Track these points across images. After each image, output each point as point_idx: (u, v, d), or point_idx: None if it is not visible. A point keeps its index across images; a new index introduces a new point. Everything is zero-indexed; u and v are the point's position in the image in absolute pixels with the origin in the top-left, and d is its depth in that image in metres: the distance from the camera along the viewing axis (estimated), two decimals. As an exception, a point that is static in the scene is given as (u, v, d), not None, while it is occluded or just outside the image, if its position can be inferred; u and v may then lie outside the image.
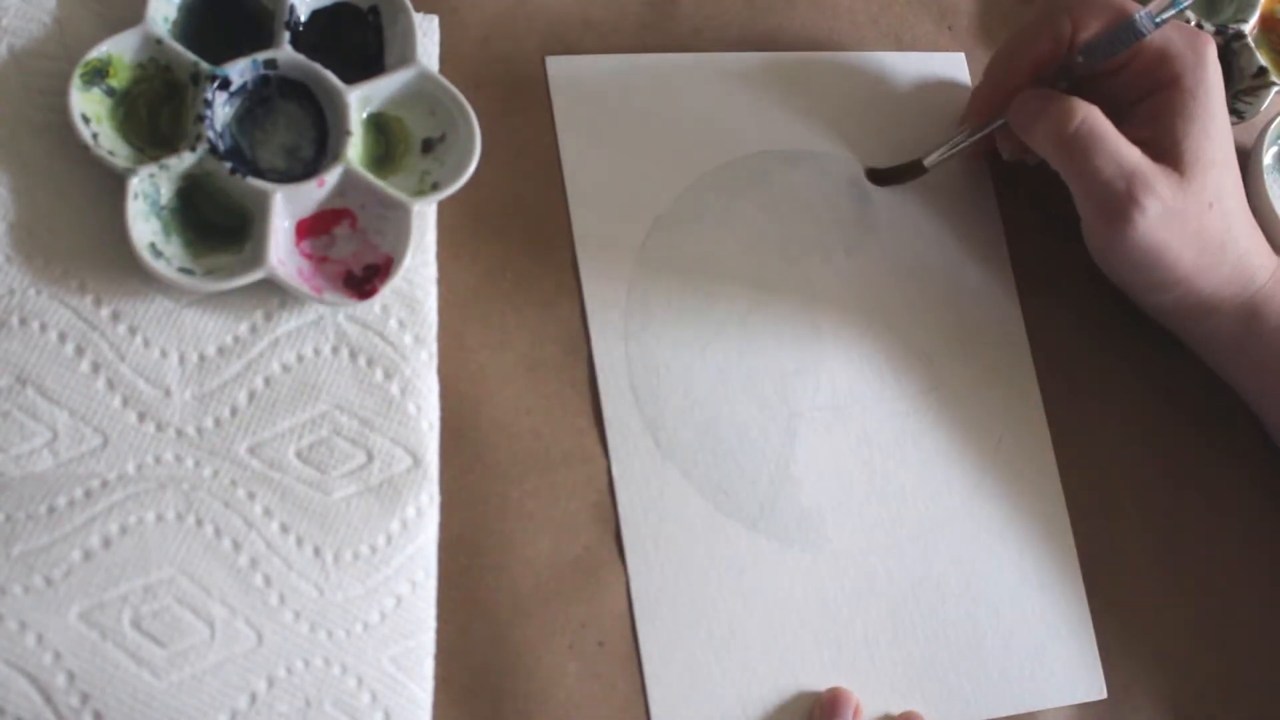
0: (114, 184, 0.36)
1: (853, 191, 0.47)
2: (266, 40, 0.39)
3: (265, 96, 0.40)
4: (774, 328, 0.44)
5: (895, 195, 0.48)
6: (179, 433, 0.36)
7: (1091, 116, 0.41)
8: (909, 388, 0.45)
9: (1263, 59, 0.52)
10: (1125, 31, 0.41)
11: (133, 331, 0.37)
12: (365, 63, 0.41)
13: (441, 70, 0.43)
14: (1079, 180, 0.42)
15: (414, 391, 0.39)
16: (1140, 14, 0.41)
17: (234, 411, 0.37)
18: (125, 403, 0.36)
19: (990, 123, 0.45)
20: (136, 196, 0.36)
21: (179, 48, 0.38)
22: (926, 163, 0.46)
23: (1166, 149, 0.41)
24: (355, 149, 0.39)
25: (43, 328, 0.36)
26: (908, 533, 0.43)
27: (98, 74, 0.37)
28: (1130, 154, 0.41)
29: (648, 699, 0.39)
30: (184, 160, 0.37)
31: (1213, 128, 0.42)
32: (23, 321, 0.36)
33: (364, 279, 0.38)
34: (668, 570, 0.40)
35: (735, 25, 0.48)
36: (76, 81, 0.36)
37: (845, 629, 0.42)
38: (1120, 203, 0.41)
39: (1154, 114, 0.42)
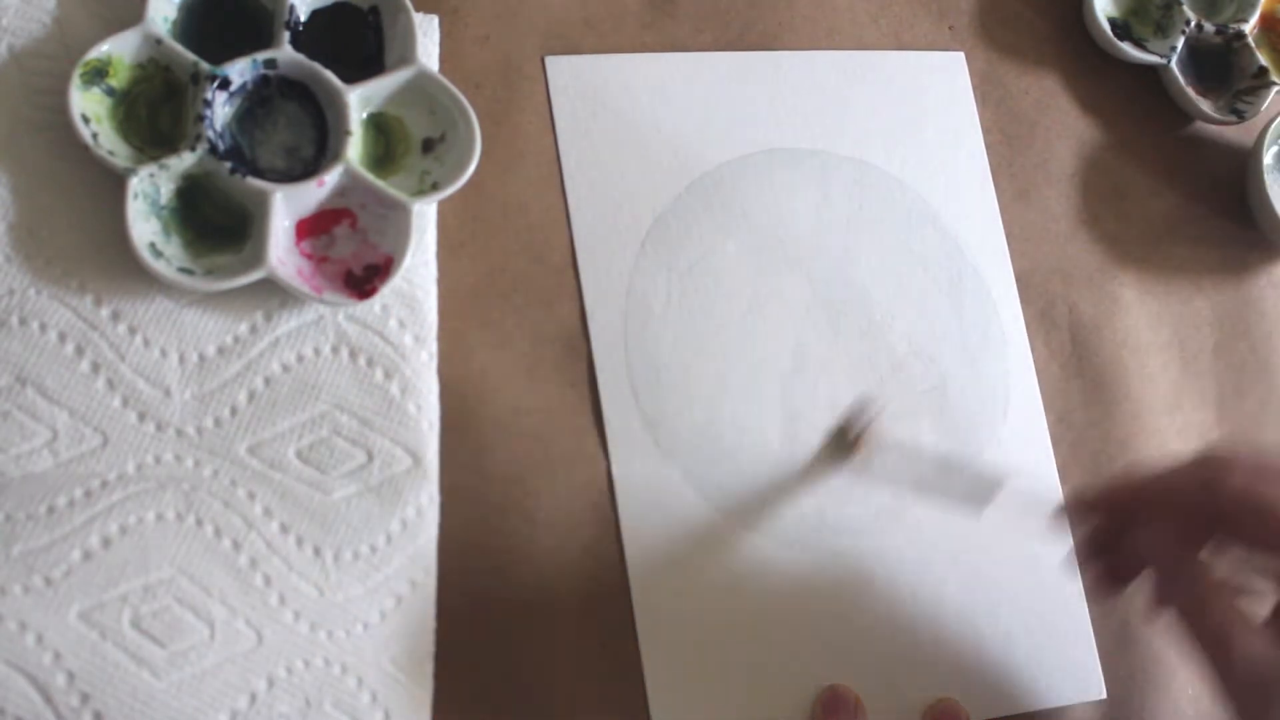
0: (114, 184, 0.36)
1: (852, 191, 0.47)
2: (266, 40, 0.39)
3: (265, 96, 0.40)
4: (774, 328, 0.44)
5: (895, 195, 0.48)
6: (179, 432, 0.36)
7: (1240, 620, 0.34)
8: (908, 388, 0.45)
9: (1263, 59, 0.52)
10: None
11: (133, 331, 0.37)
12: (365, 63, 0.41)
13: (441, 70, 0.43)
14: (1214, 673, 0.34)
15: (414, 391, 0.39)
16: None
17: (234, 411, 0.37)
18: (125, 403, 0.36)
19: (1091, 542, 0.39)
20: (136, 196, 0.36)
21: (179, 47, 0.38)
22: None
23: None
24: (355, 149, 0.39)
25: (43, 328, 0.36)
26: (907, 533, 0.43)
27: (98, 74, 0.37)
28: (1269, 660, 0.33)
29: (648, 699, 0.39)
30: (184, 160, 0.37)
31: None
32: (23, 321, 0.36)
33: (364, 279, 0.38)
34: (668, 570, 0.40)
35: (735, 25, 0.48)
36: (76, 81, 0.36)
37: (845, 629, 0.42)
38: (1257, 701, 0.34)
39: None
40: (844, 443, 0.43)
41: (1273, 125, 0.51)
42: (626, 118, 0.45)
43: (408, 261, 0.39)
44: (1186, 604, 0.34)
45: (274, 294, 0.38)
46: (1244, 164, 0.53)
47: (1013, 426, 0.46)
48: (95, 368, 0.36)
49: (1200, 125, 0.53)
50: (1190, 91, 0.51)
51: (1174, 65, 0.51)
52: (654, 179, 0.45)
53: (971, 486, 0.40)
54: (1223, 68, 0.53)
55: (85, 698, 0.33)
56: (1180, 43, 0.52)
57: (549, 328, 0.42)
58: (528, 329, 0.42)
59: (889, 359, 0.45)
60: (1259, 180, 0.51)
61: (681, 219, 0.45)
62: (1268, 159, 0.51)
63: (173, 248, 0.37)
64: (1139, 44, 0.52)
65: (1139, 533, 0.36)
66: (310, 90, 0.40)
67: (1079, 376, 0.48)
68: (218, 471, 0.36)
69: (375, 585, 0.37)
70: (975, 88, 0.50)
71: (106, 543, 0.34)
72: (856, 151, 0.48)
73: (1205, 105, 0.52)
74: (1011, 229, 0.49)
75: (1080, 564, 0.42)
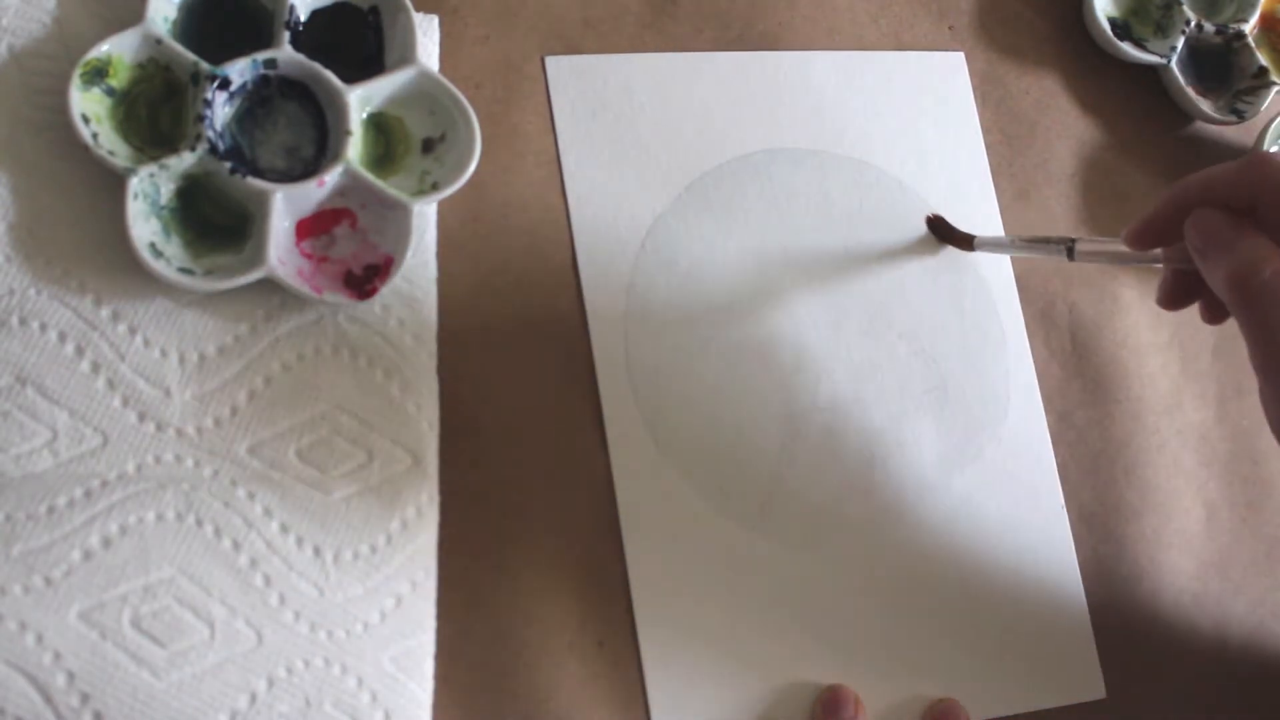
0: (114, 184, 0.36)
1: (852, 191, 0.47)
2: (266, 40, 0.39)
3: (265, 96, 0.40)
4: (774, 327, 0.44)
5: (895, 195, 0.48)
6: (179, 432, 0.36)
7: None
8: (909, 387, 0.45)
9: (1263, 59, 0.52)
10: None
11: (133, 331, 0.37)
12: (365, 63, 0.41)
13: (441, 70, 0.43)
14: (1258, 339, 0.34)
15: (414, 391, 0.39)
16: None
17: (234, 411, 0.37)
18: (125, 403, 0.36)
19: (1143, 255, 0.38)
20: (136, 196, 0.36)
21: (179, 47, 0.38)
22: (977, 243, 0.46)
23: None
24: (355, 149, 0.39)
25: (43, 328, 0.36)
26: (907, 532, 0.43)
27: (98, 74, 0.37)
28: None
29: (648, 699, 0.39)
30: (184, 160, 0.37)
31: None
32: (23, 321, 0.36)
33: (364, 279, 0.38)
34: (668, 570, 0.40)
35: (735, 25, 0.48)
36: (76, 81, 0.36)
37: (845, 629, 0.42)
38: None
39: None
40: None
41: (1273, 125, 0.51)
42: (626, 118, 0.45)
43: (408, 261, 0.39)
44: (1233, 264, 0.33)
45: (274, 294, 0.38)
46: (1244, 164, 0.53)
47: (1013, 426, 0.46)
48: (95, 368, 0.36)
49: (1200, 125, 0.53)
50: (1190, 91, 0.51)
51: (1174, 65, 0.51)
52: (654, 179, 0.45)
53: None
54: (1223, 68, 0.53)
55: (85, 698, 0.33)
56: (1180, 43, 0.52)
57: (549, 328, 0.42)
58: (528, 329, 0.42)
59: (889, 359, 0.45)
60: (1259, 180, 0.51)
61: (681, 219, 0.45)
62: (1268, 159, 0.51)
63: (173, 248, 0.37)
64: (1139, 44, 0.52)
65: (1186, 222, 0.35)
66: (310, 90, 0.40)
67: (1079, 376, 0.48)
68: (218, 471, 0.36)
69: (375, 585, 0.37)
70: (975, 88, 0.50)
71: (106, 543, 0.34)
72: (856, 151, 0.48)
73: (1205, 105, 0.52)
74: (1011, 229, 0.49)
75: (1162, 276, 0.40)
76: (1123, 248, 0.38)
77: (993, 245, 0.46)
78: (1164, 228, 0.36)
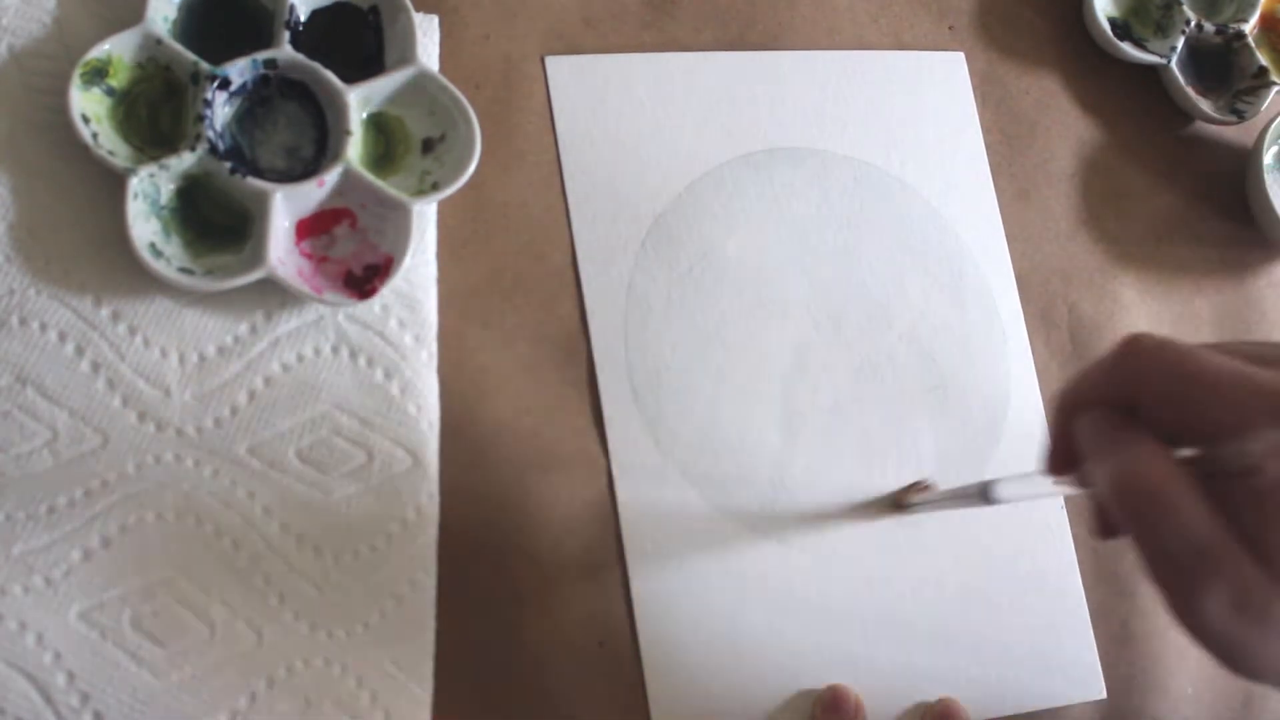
0: (114, 184, 0.36)
1: (853, 191, 0.47)
2: (266, 40, 0.39)
3: (265, 96, 0.40)
4: (774, 327, 0.44)
5: (895, 195, 0.48)
6: (179, 432, 0.36)
7: (1169, 478, 0.30)
8: (909, 387, 0.45)
9: (1263, 59, 0.52)
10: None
11: (133, 331, 0.37)
12: (365, 63, 0.41)
13: (441, 70, 0.43)
14: (1138, 544, 0.31)
15: (414, 391, 0.39)
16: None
17: (234, 411, 0.37)
18: (125, 403, 0.36)
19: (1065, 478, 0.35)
20: (136, 196, 0.36)
21: (179, 47, 0.38)
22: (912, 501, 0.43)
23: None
24: (355, 149, 0.39)
25: (43, 328, 0.36)
26: (908, 532, 0.43)
27: (98, 74, 0.37)
28: (1201, 527, 0.30)
29: (648, 699, 0.39)
30: (184, 160, 0.37)
31: None
32: (23, 321, 0.36)
33: (364, 279, 0.38)
34: (668, 570, 0.40)
35: (735, 25, 0.48)
36: (76, 81, 0.36)
37: (845, 629, 0.42)
38: (1183, 581, 0.30)
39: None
40: (891, 502, 0.43)
41: (1273, 125, 0.51)
42: (626, 118, 0.45)
43: (408, 261, 0.39)
44: (1113, 470, 0.30)
45: (274, 294, 0.38)
46: (1244, 164, 0.53)
47: (1012, 426, 0.46)
48: (95, 368, 0.36)
49: (1200, 125, 0.53)
50: (1190, 91, 0.51)
51: (1174, 65, 0.51)
52: (654, 179, 0.45)
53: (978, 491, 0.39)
54: (1223, 68, 0.53)
55: (85, 698, 0.33)
56: (1180, 43, 0.52)
57: (549, 328, 0.42)
58: (528, 329, 0.42)
59: (889, 359, 0.45)
60: (1259, 180, 0.51)
61: (681, 219, 0.45)
62: (1268, 159, 0.51)
63: (173, 248, 0.37)
64: (1139, 44, 0.52)
65: (1073, 427, 0.32)
66: (310, 90, 0.40)
67: (1079, 376, 0.48)
68: (218, 471, 0.36)
69: (375, 585, 0.37)
70: (975, 88, 0.50)
71: (106, 543, 0.34)
72: (856, 151, 0.48)
73: (1205, 105, 0.52)
74: (1011, 229, 0.49)
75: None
76: (1042, 481, 0.35)
77: (922, 504, 0.43)
78: (1068, 446, 0.33)
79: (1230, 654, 0.31)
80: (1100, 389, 0.33)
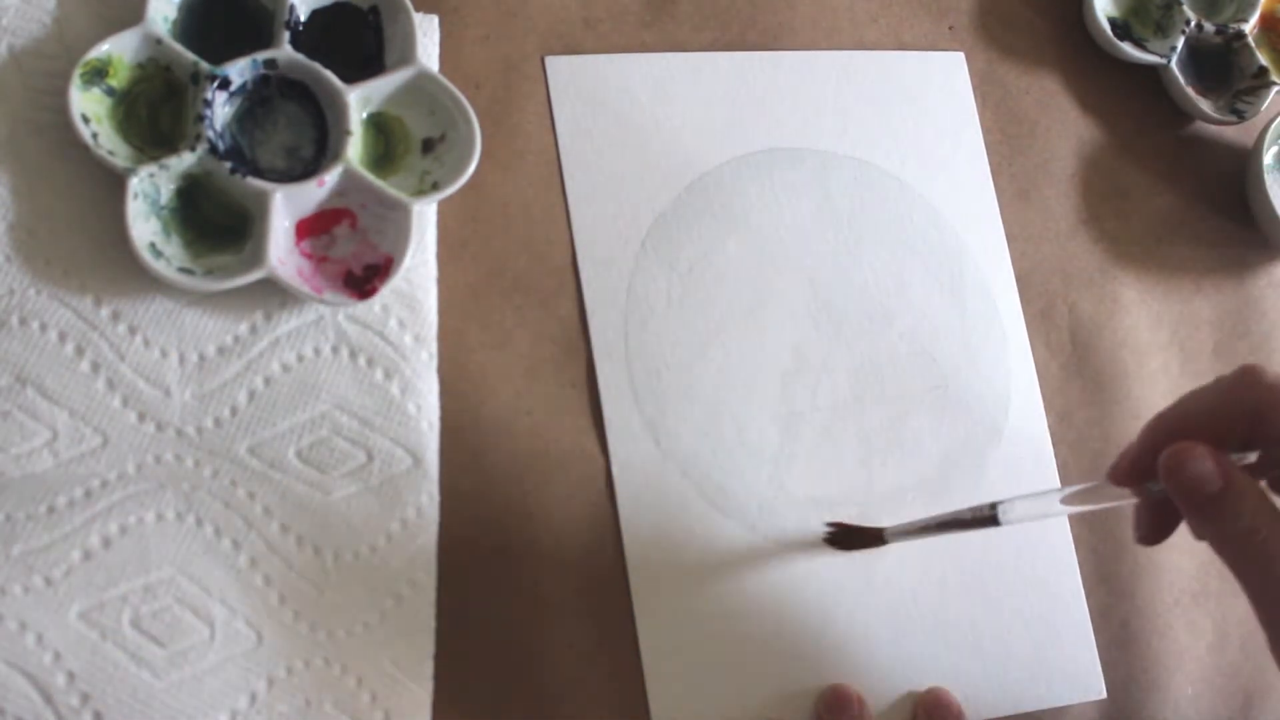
0: (114, 184, 0.36)
1: (853, 191, 0.47)
2: (266, 40, 0.39)
3: (265, 96, 0.40)
4: (774, 327, 0.44)
5: (895, 195, 0.48)
6: (179, 432, 0.36)
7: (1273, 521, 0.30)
8: (909, 387, 0.45)
9: (1263, 59, 0.52)
10: None
11: (133, 331, 0.37)
12: (365, 63, 0.41)
13: (441, 70, 0.43)
14: (1262, 598, 0.31)
15: (414, 391, 0.39)
16: None
17: (234, 411, 0.37)
18: (125, 403, 0.36)
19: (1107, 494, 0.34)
20: (136, 196, 0.36)
21: (179, 47, 0.38)
22: (888, 534, 0.41)
23: None
24: (355, 149, 0.39)
25: (43, 328, 0.36)
26: (907, 533, 0.43)
27: (98, 74, 0.37)
28: None
29: (648, 699, 0.39)
30: (184, 160, 0.37)
31: None
32: (23, 321, 0.36)
33: (364, 279, 0.38)
34: (668, 570, 0.40)
35: (735, 25, 0.48)
36: (76, 81, 0.36)
37: (845, 629, 0.42)
38: None
39: None
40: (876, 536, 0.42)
41: (1273, 125, 0.51)
42: (626, 118, 0.45)
43: (408, 261, 0.39)
44: (1221, 524, 0.30)
45: (274, 294, 0.38)
46: (1244, 164, 0.53)
47: (1013, 426, 0.46)
48: (95, 368, 0.36)
49: (1200, 125, 0.53)
50: (1190, 91, 0.51)
51: (1174, 65, 0.51)
52: (654, 179, 0.45)
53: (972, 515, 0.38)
54: (1223, 68, 0.53)
55: (85, 698, 0.33)
56: (1180, 43, 0.52)
57: (549, 328, 0.42)
58: (528, 329, 0.42)
59: (889, 359, 0.45)
60: (1259, 180, 0.51)
61: (681, 219, 0.45)
62: (1268, 159, 0.51)
63: (173, 248, 0.37)
64: (1139, 44, 0.52)
65: (1160, 460, 0.31)
66: (310, 90, 0.40)
67: (1079, 376, 0.48)
68: (218, 471, 0.36)
69: (375, 585, 0.37)
70: (975, 88, 0.50)
71: (106, 543, 0.34)
72: (856, 151, 0.48)
73: (1205, 105, 0.52)
74: (1011, 229, 0.49)
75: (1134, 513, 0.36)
76: (1052, 502, 0.35)
77: (905, 533, 0.41)
78: (1147, 464, 0.32)
79: None
80: (1213, 416, 0.32)
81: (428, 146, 0.41)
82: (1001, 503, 0.36)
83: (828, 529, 0.42)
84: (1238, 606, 0.47)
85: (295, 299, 0.38)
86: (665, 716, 0.39)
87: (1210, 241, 0.52)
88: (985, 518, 0.37)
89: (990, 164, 0.49)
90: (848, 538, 0.42)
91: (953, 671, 0.42)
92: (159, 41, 0.38)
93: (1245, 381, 0.31)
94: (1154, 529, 0.35)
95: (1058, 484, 0.46)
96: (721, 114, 0.46)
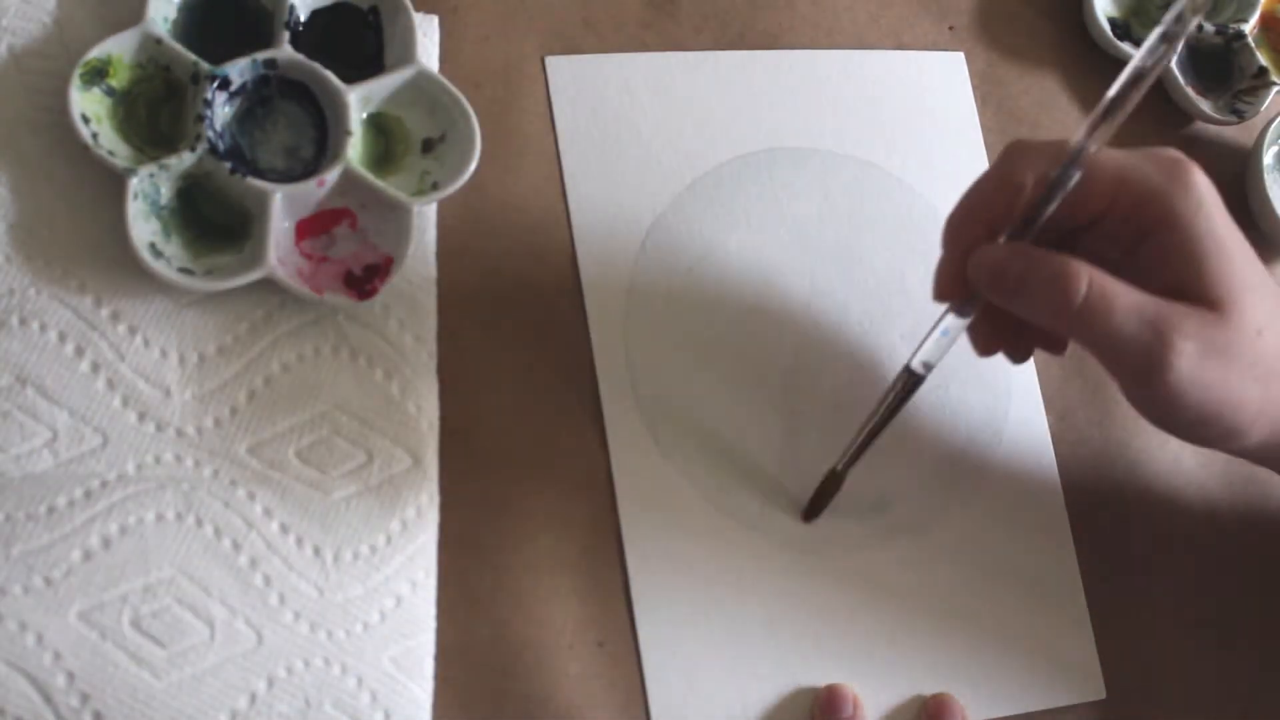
0: (114, 184, 0.36)
1: (853, 191, 0.47)
2: (266, 40, 0.39)
3: (265, 96, 0.40)
4: (774, 327, 0.44)
5: (895, 195, 0.48)
6: (179, 433, 0.36)
7: (1096, 276, 0.34)
8: (909, 388, 0.45)
9: (1263, 59, 0.52)
10: (1069, 160, 0.35)
11: (133, 331, 0.37)
12: (365, 63, 0.41)
13: (441, 70, 0.43)
14: (1100, 348, 0.35)
15: (414, 391, 0.39)
16: (1077, 138, 0.35)
17: (234, 411, 0.37)
18: (125, 403, 0.36)
19: (964, 307, 0.38)
20: (136, 196, 0.36)
21: (179, 47, 0.38)
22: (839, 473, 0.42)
23: (1187, 290, 0.35)
24: (355, 149, 0.39)
25: (43, 328, 0.36)
26: (907, 533, 0.43)
27: (97, 74, 0.37)
28: (1148, 301, 0.34)
29: (648, 699, 0.39)
30: (184, 160, 0.37)
31: (1230, 250, 0.35)
32: (23, 321, 0.36)
33: (364, 279, 0.38)
34: (668, 570, 0.40)
35: (735, 25, 0.48)
36: (76, 81, 0.36)
37: (845, 629, 0.42)
38: (1152, 355, 0.34)
39: (1157, 261, 0.36)
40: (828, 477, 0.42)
41: (1273, 125, 0.51)
42: (626, 118, 0.45)
43: (408, 261, 0.39)
44: (1044, 286, 0.34)
45: (274, 294, 0.38)
46: (1244, 164, 0.53)
47: (1013, 426, 0.46)
48: (95, 368, 0.36)
49: (1200, 125, 0.53)
50: (1190, 91, 0.51)
51: (1174, 65, 0.51)
52: (654, 179, 0.45)
53: None
54: (1223, 68, 0.53)
55: (85, 698, 0.33)
56: (1180, 43, 0.51)
57: (549, 328, 0.42)
58: (528, 329, 0.42)
59: (889, 359, 0.45)
60: (1259, 180, 0.51)
61: (681, 219, 0.45)
62: (1268, 159, 0.51)
63: (173, 248, 0.37)
64: (1139, 44, 0.52)
65: (968, 269, 0.37)
66: (310, 90, 0.40)
67: (1079, 376, 0.48)
68: (218, 471, 0.36)
69: (375, 585, 0.37)
70: (975, 88, 0.50)
71: (106, 543, 0.34)
72: (857, 151, 0.48)
73: (1205, 105, 0.52)
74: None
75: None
76: (950, 331, 0.39)
77: (854, 453, 0.41)
78: (961, 270, 0.37)
79: (1215, 409, 0.35)
80: (992, 200, 0.37)
81: (428, 146, 0.41)
82: (910, 360, 0.39)
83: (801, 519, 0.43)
84: (1238, 605, 0.47)
85: (295, 299, 0.38)
86: (665, 716, 0.39)
87: (1210, 241, 0.52)
88: (910, 382, 0.40)
89: (990, 164, 0.49)
90: (816, 504, 0.42)
91: (952, 671, 0.42)
92: (159, 41, 0.38)
93: (1011, 157, 0.37)
94: (987, 336, 0.40)
95: (1058, 485, 0.46)
96: (721, 114, 0.46)
